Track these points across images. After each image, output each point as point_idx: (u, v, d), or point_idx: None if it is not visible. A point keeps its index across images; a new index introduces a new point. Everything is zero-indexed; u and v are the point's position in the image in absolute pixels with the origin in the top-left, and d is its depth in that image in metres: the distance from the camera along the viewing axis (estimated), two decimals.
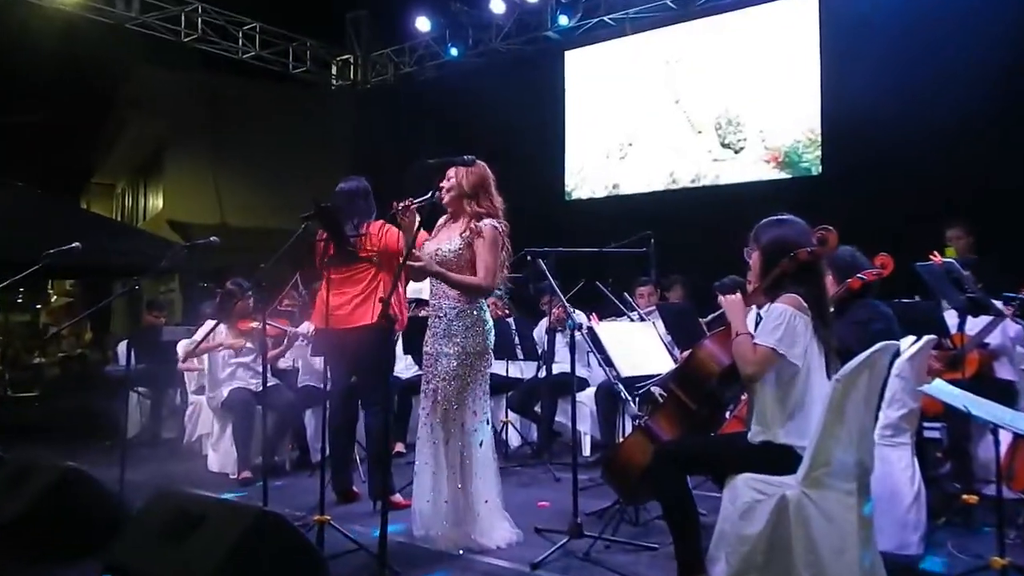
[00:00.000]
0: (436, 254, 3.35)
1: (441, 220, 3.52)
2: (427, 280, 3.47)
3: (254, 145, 12.02)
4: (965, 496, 3.45)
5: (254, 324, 5.18)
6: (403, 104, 10.33)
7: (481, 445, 3.34)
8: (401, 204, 3.32)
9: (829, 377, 2.58)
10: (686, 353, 3.10)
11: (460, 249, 3.32)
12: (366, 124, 11.03)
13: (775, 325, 2.55)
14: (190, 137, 12.34)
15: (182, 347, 5.49)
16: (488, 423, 3.40)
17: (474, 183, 3.35)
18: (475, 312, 3.34)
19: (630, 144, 8.58)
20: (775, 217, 2.76)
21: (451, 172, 3.36)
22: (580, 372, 5.55)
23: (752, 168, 7.73)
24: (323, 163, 11.32)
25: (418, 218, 3.33)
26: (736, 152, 7.83)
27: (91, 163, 19.25)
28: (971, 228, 4.99)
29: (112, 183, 20.60)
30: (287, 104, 11.87)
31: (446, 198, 3.39)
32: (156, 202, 14.53)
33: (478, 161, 3.33)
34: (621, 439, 4.91)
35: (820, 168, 7.34)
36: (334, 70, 11.02)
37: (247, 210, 12.29)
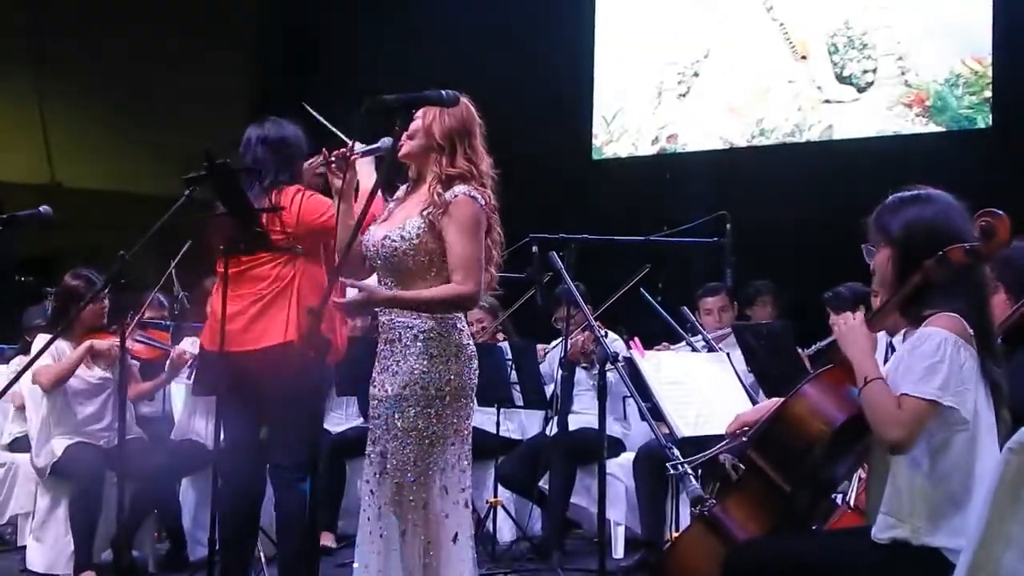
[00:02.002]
0: (381, 247, 3.36)
1: (400, 191, 3.53)
2: (373, 278, 3.49)
3: (105, 63, 11.99)
4: None
5: (111, 341, 5.19)
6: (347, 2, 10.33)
7: (455, 540, 3.34)
8: (335, 153, 3.32)
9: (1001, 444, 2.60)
10: (775, 403, 3.11)
11: (419, 234, 3.31)
12: (288, 31, 11.01)
13: (933, 363, 2.57)
14: (2, 53, 12.31)
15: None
16: (468, 505, 3.41)
17: (450, 130, 3.34)
18: (445, 332, 3.35)
19: (695, 75, 8.60)
20: (907, 193, 2.77)
21: (420, 114, 3.35)
22: (611, 428, 5.57)
23: (884, 116, 7.75)
24: (217, 92, 11.30)
25: (372, 176, 3.33)
26: (860, 90, 7.86)
27: None
28: None
29: None
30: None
31: (405, 149, 3.37)
32: None
33: (462, 98, 3.32)
34: (674, 534, 4.95)
35: (989, 118, 7.37)
36: None
37: (94, 164, 12.24)
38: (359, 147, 3.45)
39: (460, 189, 3.31)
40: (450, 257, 3.29)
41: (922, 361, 2.58)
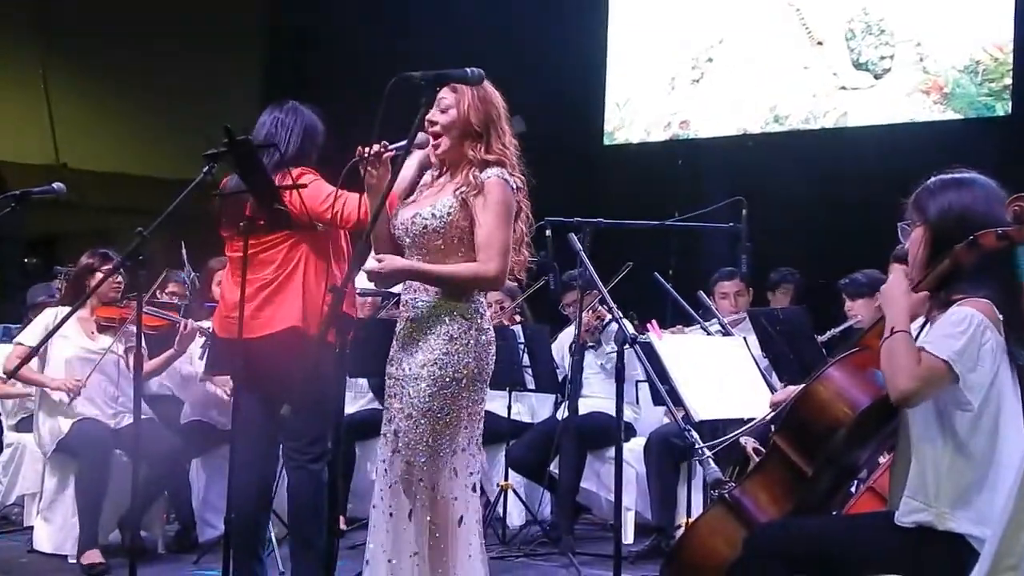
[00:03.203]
0: (411, 224, 3.36)
1: (426, 177, 3.52)
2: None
3: (110, 45, 11.98)
4: None
5: (122, 312, 5.21)
6: None
7: (461, 522, 3.34)
8: (368, 149, 3.29)
9: None
10: (797, 389, 3.11)
11: (451, 212, 3.31)
12: (296, 13, 10.99)
13: (957, 331, 2.59)
14: (9, 32, 12.30)
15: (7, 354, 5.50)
16: (476, 490, 3.41)
17: (485, 115, 3.35)
18: (467, 313, 3.35)
19: (708, 60, 8.59)
20: (953, 176, 2.78)
21: (446, 95, 3.34)
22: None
23: (902, 103, 7.73)
24: (223, 75, 11.29)
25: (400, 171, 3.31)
26: (877, 77, 7.84)
27: None
28: None
29: None
30: None
31: (443, 147, 3.37)
32: None
33: (485, 79, 3.28)
34: (685, 520, 4.96)
35: (1008, 106, 7.35)
36: None
37: (100, 146, 12.26)
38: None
39: (494, 171, 3.33)
40: (477, 237, 3.31)
41: (946, 329, 2.61)
